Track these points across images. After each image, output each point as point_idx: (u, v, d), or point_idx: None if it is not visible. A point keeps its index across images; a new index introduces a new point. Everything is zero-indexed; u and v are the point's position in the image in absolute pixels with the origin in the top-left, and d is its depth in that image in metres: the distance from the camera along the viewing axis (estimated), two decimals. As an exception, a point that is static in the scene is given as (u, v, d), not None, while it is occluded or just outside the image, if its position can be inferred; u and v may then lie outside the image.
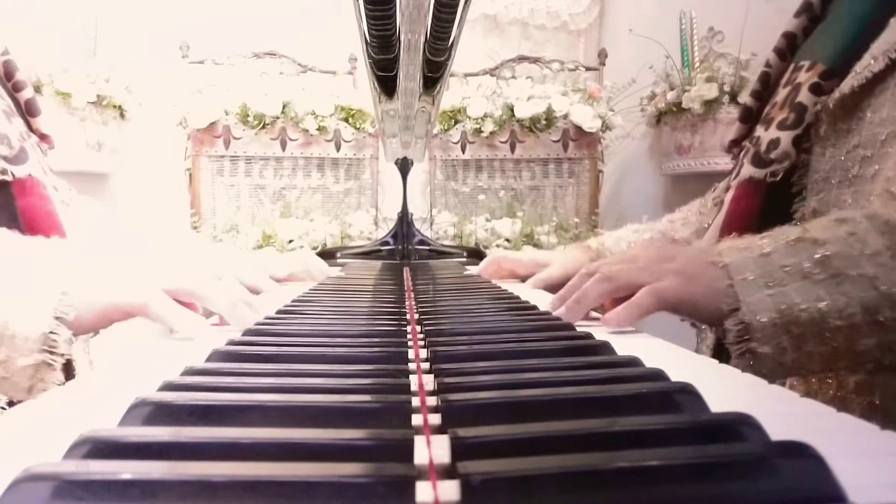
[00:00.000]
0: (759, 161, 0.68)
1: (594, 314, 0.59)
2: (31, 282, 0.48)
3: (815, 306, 0.47)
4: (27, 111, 0.74)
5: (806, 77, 0.67)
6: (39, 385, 0.46)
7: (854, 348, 0.48)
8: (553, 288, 0.83)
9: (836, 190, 0.61)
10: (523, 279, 0.94)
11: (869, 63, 0.58)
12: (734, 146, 0.81)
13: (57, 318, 0.47)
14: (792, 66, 0.72)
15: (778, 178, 0.67)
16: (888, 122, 0.57)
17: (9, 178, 0.63)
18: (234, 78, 2.13)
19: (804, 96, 0.66)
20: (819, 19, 0.75)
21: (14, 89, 0.73)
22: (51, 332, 0.46)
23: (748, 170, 0.69)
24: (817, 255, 0.48)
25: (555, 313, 0.56)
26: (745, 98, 0.89)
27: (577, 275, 0.59)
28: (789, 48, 0.77)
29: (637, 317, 0.51)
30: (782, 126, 0.67)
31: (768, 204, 0.68)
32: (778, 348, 0.48)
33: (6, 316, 0.46)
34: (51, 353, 0.46)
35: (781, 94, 0.71)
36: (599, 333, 0.47)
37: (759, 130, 0.71)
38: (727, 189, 0.75)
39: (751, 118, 0.79)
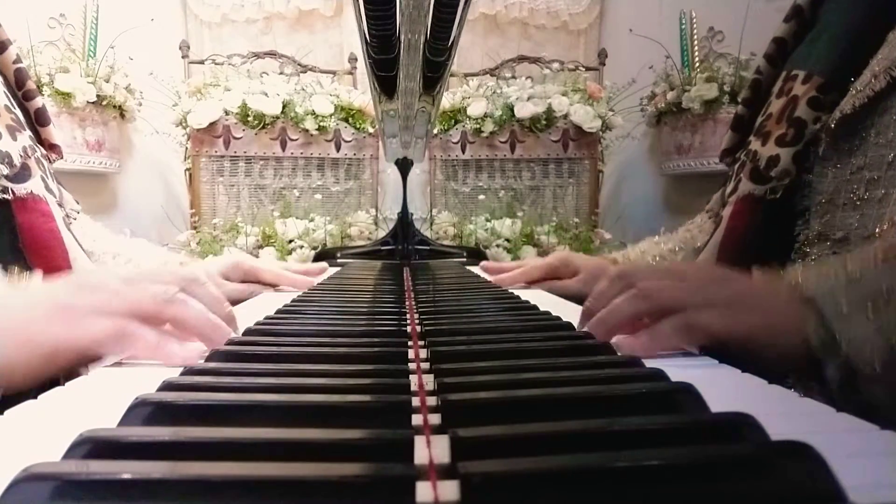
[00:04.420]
0: (758, 177, 0.67)
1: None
2: None
3: None
4: (37, 121, 0.74)
5: (803, 90, 0.65)
6: None
7: None
8: (572, 297, 0.78)
9: (842, 213, 0.58)
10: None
11: (870, 81, 0.57)
12: (727, 155, 0.80)
13: None
14: (784, 74, 0.70)
15: (778, 196, 0.66)
16: (895, 144, 0.54)
17: (9, 196, 0.62)
18: (233, 78, 2.13)
19: (803, 111, 0.64)
20: (809, 24, 0.73)
21: (25, 98, 0.73)
22: None
23: (747, 185, 0.68)
24: None
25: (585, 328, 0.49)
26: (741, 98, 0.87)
27: (607, 279, 0.50)
28: (780, 54, 0.75)
29: (660, 349, 0.43)
30: (781, 142, 0.65)
31: (768, 220, 0.67)
32: (890, 390, 0.39)
33: None
34: None
35: (776, 104, 0.69)
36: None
37: (756, 144, 0.69)
38: (723, 203, 0.74)
39: (743, 127, 0.78)
